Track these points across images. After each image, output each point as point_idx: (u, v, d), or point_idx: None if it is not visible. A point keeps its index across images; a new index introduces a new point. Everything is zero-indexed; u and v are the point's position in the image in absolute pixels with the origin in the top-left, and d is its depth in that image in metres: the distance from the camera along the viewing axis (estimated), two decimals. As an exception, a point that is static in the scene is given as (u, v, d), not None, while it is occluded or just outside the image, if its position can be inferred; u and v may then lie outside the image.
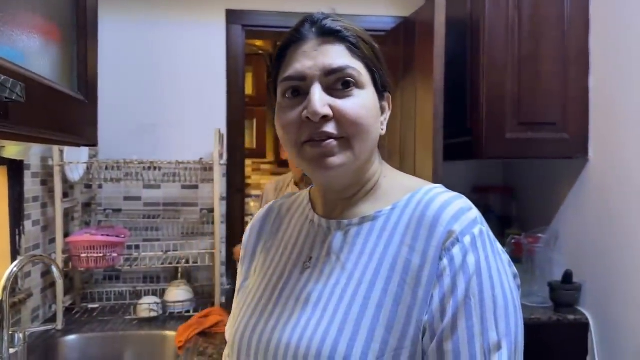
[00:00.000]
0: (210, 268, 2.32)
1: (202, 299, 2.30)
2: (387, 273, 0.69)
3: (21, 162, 1.82)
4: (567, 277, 1.97)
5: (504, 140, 1.95)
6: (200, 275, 2.41)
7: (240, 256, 0.96)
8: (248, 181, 4.55)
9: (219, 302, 2.20)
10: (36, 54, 0.91)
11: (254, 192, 4.66)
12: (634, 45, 1.69)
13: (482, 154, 1.96)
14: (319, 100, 0.70)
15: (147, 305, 2.06)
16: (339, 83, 0.72)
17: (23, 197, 1.84)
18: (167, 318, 2.09)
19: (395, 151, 2.30)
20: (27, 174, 1.88)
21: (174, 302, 2.14)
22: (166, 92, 2.44)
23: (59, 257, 2.04)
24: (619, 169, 1.78)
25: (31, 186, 1.92)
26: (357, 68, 0.73)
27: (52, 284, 2.10)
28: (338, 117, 0.71)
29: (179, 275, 2.31)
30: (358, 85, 0.73)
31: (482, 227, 0.69)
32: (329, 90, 0.72)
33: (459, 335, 0.63)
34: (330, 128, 0.71)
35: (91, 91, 1.13)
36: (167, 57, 2.44)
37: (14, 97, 0.70)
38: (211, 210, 2.42)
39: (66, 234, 2.14)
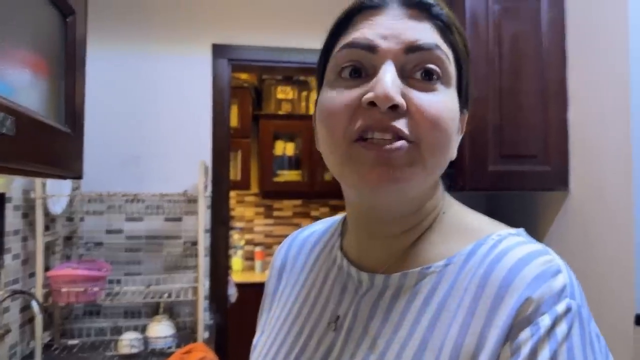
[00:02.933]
0: (193, 303, 2.28)
1: (185, 334, 2.26)
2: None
3: (2, 194, 1.79)
4: (552, 308, 1.98)
5: (487, 173, 1.98)
6: (183, 310, 2.37)
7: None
8: (232, 213, 4.53)
9: (202, 337, 2.16)
10: (25, 87, 0.91)
11: (238, 224, 4.63)
12: (610, 78, 1.75)
13: (465, 185, 1.98)
14: (392, 80, 0.49)
15: (128, 341, 2.02)
16: (419, 70, 0.52)
17: (4, 230, 1.80)
18: (149, 354, 2.05)
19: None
20: (9, 207, 1.86)
21: (156, 337, 2.09)
22: (151, 124, 2.45)
23: (39, 292, 2.00)
24: (599, 201, 1.81)
25: (12, 219, 1.89)
26: (447, 54, 0.53)
27: (31, 320, 2.04)
28: (414, 112, 0.50)
29: (161, 310, 2.27)
30: (444, 79, 0.53)
31: (572, 302, 0.47)
32: (404, 78, 0.51)
33: None
34: (399, 124, 0.50)
35: (78, 124, 1.13)
36: (153, 89, 2.46)
37: (4, 131, 0.70)
38: (195, 243, 2.39)
39: (47, 268, 2.09)
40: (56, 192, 2.06)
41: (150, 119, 2.45)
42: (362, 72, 0.53)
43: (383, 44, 0.51)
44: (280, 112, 4.44)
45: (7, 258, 1.84)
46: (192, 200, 2.32)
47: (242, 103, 4.31)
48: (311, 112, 4.43)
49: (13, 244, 1.90)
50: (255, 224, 4.70)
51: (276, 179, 4.42)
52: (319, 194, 4.41)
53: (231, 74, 2.59)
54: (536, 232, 2.21)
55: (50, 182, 2.02)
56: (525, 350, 0.44)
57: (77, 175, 1.12)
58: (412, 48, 0.51)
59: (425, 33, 0.52)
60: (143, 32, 2.46)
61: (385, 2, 0.53)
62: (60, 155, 1.04)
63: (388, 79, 0.49)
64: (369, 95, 0.49)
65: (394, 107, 0.49)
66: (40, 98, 0.98)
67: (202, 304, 2.18)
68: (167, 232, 2.43)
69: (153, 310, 2.32)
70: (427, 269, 0.54)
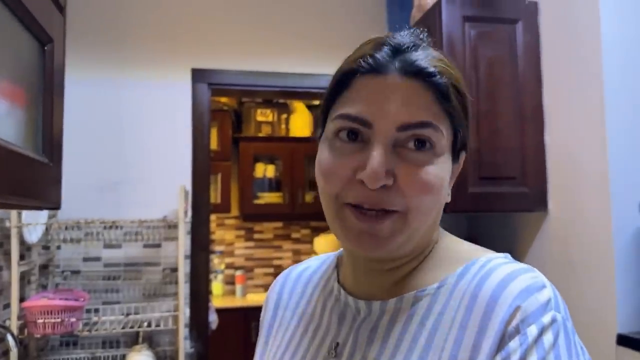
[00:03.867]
0: (174, 331, 2.23)
1: (165, 363, 2.21)
2: None
3: (-24, 224, 1.75)
4: (534, 329, 1.99)
5: (467, 195, 1.99)
6: (163, 339, 2.32)
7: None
8: (212, 237, 4.48)
9: (183, 366, 2.12)
10: (2, 117, 0.89)
11: (218, 248, 4.59)
12: (586, 100, 1.79)
13: (446, 208, 1.99)
14: (381, 164, 0.53)
15: (107, 373, 1.96)
16: (412, 140, 0.55)
17: (-24, 261, 1.75)
18: (128, 386, 1.99)
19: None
20: (-18, 237, 1.81)
21: (136, 368, 2.04)
22: (130, 149, 2.42)
23: (14, 324, 1.94)
24: (577, 221, 1.84)
25: (-15, 249, 1.84)
26: (442, 128, 0.56)
27: (6, 353, 1.97)
28: (402, 186, 0.54)
29: (140, 339, 2.22)
30: (436, 149, 0.55)
31: (557, 315, 0.50)
32: (397, 147, 0.55)
33: None
34: (386, 201, 0.54)
35: (56, 153, 1.11)
36: (132, 114, 2.44)
37: (-21, 165, 0.68)
38: (174, 270, 2.35)
39: (22, 299, 2.03)
40: (32, 221, 2.01)
41: (130, 144, 2.42)
42: (358, 136, 0.56)
43: (378, 123, 0.54)
44: (260, 135, 4.44)
45: (-20, 289, 1.79)
46: (172, 226, 2.29)
47: (222, 126, 4.30)
48: (291, 134, 4.46)
49: (-14, 274, 1.85)
50: (235, 247, 4.65)
51: (256, 202, 4.39)
52: (300, 215, 4.39)
53: (211, 97, 2.58)
54: (516, 253, 2.23)
55: (26, 211, 1.98)
56: (514, 358, 0.48)
57: (55, 205, 1.10)
58: (405, 126, 0.54)
59: (420, 109, 0.54)
60: (122, 58, 2.45)
61: (384, 67, 0.55)
62: (38, 187, 1.01)
63: (377, 164, 0.52)
64: (361, 175, 0.53)
65: (382, 186, 0.53)
66: (18, 128, 0.96)
67: (183, 332, 2.14)
68: (146, 258, 2.39)
69: (132, 340, 2.27)
70: (422, 292, 0.58)
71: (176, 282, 2.30)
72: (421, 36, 0.59)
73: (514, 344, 0.48)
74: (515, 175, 2.02)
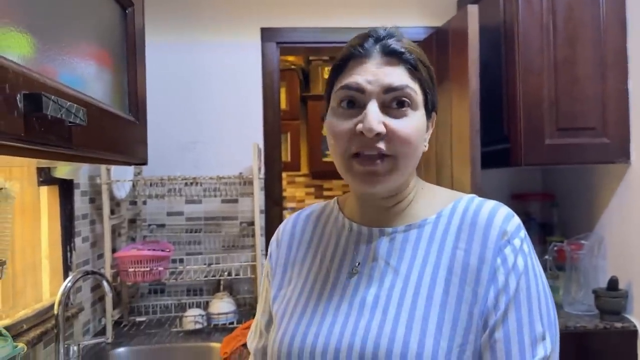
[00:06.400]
0: (252, 280, 2.36)
1: (245, 310, 2.34)
2: (446, 275, 0.75)
3: (71, 181, 1.90)
4: (613, 283, 1.93)
5: (543, 147, 1.94)
6: (242, 288, 2.46)
7: (265, 270, 0.95)
8: (284, 194, 4.60)
9: (261, 313, 2.23)
10: (92, 79, 0.96)
11: (289, 205, 4.71)
12: (675, 46, 1.67)
13: (521, 161, 1.95)
14: (376, 117, 0.73)
15: (192, 318, 2.11)
16: (395, 101, 0.75)
17: (73, 215, 1.92)
18: (212, 330, 2.14)
19: (432, 160, 2.30)
20: (77, 193, 1.97)
21: (218, 314, 2.18)
22: (206, 110, 2.51)
23: (108, 272, 2.12)
24: (663, 172, 1.75)
25: (80, 204, 2.00)
26: (415, 89, 0.76)
27: (101, 298, 2.17)
28: (390, 135, 0.74)
29: (221, 287, 2.36)
30: (412, 105, 0.76)
31: (525, 232, 0.77)
32: (384, 108, 0.75)
33: (509, 325, 0.70)
34: (381, 145, 0.74)
35: (141, 112, 1.18)
36: (206, 76, 2.52)
37: (77, 121, 0.75)
38: (251, 224, 2.46)
39: (113, 250, 2.21)
40: (120, 178, 2.16)
41: (205, 104, 2.51)
42: (355, 103, 0.76)
43: (368, 87, 0.75)
44: (328, 93, 4.44)
45: (78, 241, 1.96)
46: (247, 182, 2.38)
47: (290, 85, 4.33)
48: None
49: (82, 227, 2.02)
50: (306, 204, 4.73)
51: (325, 159, 4.44)
52: (369, 172, 4.40)
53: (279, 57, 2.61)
54: (594, 207, 2.15)
55: (114, 168, 2.12)
56: (510, 259, 0.73)
57: (142, 161, 1.18)
58: (388, 89, 0.75)
59: (397, 76, 0.75)
60: (193, 20, 2.52)
61: (369, 52, 0.77)
62: (127, 143, 1.09)
63: (373, 116, 0.73)
64: (360, 127, 0.73)
65: (377, 134, 0.73)
66: (106, 89, 1.03)
67: (261, 281, 2.25)
68: (225, 213, 2.51)
69: (214, 288, 2.42)
70: (424, 221, 0.81)
71: (253, 235, 2.41)
72: (393, 30, 0.79)
73: (507, 250, 0.74)
74: (595, 126, 1.93)
